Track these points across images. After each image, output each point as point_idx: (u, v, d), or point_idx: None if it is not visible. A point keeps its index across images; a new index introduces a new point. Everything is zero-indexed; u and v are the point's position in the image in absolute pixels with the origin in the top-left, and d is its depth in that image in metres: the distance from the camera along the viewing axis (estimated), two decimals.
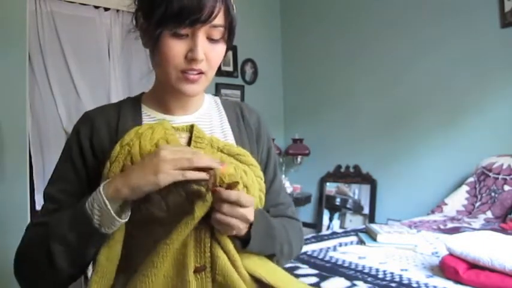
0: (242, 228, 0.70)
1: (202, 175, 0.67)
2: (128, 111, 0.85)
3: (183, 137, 0.80)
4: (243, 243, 0.72)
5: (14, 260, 0.76)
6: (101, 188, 0.67)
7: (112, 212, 0.66)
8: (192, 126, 0.81)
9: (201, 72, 0.77)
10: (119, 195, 0.66)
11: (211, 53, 0.77)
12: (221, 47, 0.79)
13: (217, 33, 0.76)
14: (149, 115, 0.86)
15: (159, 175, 0.64)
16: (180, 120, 0.86)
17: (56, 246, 0.69)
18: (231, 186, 0.66)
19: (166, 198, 0.69)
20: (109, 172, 0.70)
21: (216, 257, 0.69)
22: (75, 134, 0.82)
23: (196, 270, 0.68)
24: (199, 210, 0.67)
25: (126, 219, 0.69)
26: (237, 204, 0.67)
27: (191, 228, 0.67)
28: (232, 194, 0.66)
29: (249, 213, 0.69)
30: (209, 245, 0.69)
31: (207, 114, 0.91)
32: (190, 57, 0.75)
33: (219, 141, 0.81)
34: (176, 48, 0.75)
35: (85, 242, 0.69)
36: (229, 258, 0.69)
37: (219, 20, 0.75)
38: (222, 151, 0.79)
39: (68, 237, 0.69)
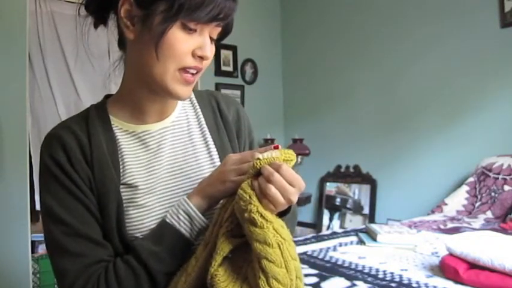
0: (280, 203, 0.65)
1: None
2: (96, 125, 0.78)
3: None
4: None
5: None
6: (194, 210, 0.71)
7: (206, 223, 0.72)
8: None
9: (197, 72, 0.74)
10: (203, 206, 0.73)
11: (211, 52, 0.74)
12: (214, 47, 0.76)
13: (217, 33, 0.75)
14: (121, 128, 0.80)
15: (226, 184, 0.70)
16: (156, 128, 0.81)
17: (162, 280, 0.70)
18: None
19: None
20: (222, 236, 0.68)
21: None
22: (53, 163, 0.73)
23: None
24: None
25: None
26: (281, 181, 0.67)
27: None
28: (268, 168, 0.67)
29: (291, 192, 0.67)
30: None
31: (183, 115, 0.86)
32: (200, 55, 0.71)
33: None
34: (186, 43, 0.70)
35: (184, 258, 0.71)
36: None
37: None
38: None
39: (174, 265, 0.70)
